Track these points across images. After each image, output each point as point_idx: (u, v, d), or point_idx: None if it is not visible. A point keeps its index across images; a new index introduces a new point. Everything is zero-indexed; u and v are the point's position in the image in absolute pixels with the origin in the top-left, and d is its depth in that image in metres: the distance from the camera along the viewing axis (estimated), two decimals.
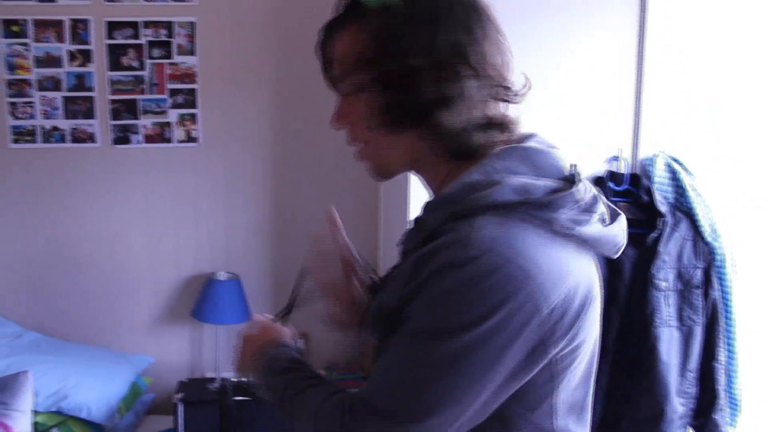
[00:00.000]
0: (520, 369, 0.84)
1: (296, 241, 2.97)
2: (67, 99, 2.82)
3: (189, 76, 2.85)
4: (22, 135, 2.82)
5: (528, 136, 0.94)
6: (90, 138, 2.84)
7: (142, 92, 2.84)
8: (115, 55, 2.82)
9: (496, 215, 0.83)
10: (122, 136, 2.85)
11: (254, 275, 2.98)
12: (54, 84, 2.81)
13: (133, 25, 2.81)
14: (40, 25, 2.78)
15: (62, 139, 2.83)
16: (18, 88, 2.79)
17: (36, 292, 2.91)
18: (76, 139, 2.84)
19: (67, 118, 2.83)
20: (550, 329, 0.83)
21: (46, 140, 2.83)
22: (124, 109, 2.84)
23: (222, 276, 2.86)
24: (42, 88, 2.81)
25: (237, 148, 2.91)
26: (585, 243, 0.90)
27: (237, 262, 2.96)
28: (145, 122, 2.85)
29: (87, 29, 2.79)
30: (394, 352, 0.87)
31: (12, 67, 2.79)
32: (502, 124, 0.91)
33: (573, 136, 2.12)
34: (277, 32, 2.87)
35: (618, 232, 0.94)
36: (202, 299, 2.81)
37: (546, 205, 0.84)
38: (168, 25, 2.81)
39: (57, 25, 2.78)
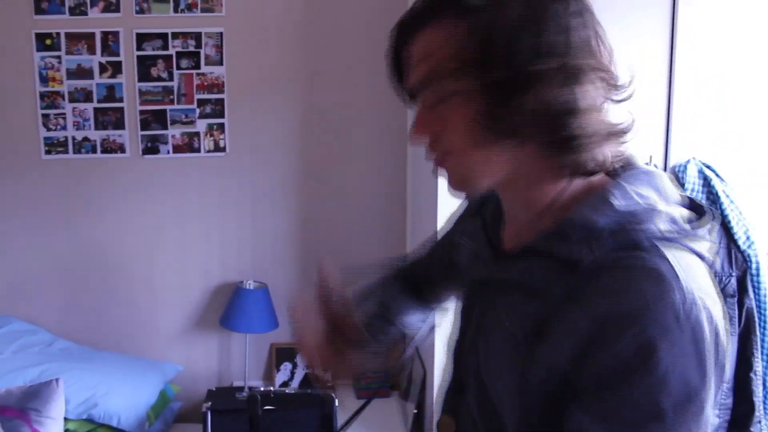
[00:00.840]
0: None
1: (323, 249, 2.98)
2: (97, 110, 2.86)
3: (217, 86, 2.87)
4: (54, 146, 2.87)
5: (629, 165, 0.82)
6: (120, 149, 2.88)
7: (171, 102, 2.87)
8: (145, 66, 2.85)
9: (672, 248, 0.72)
10: (151, 147, 2.88)
11: (282, 283, 2.99)
12: (85, 95, 2.86)
13: (163, 36, 2.85)
14: (72, 38, 2.82)
15: (93, 150, 2.88)
16: (50, 99, 2.85)
17: (67, 301, 2.95)
18: (107, 150, 2.88)
19: (98, 129, 2.87)
20: (723, 353, 0.73)
21: (78, 151, 2.87)
22: (153, 119, 2.87)
23: (250, 285, 2.87)
24: (73, 100, 2.85)
25: (264, 157, 2.92)
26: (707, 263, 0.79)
27: (264, 271, 2.97)
28: (174, 132, 2.88)
29: (117, 41, 2.84)
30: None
31: (45, 80, 2.84)
32: (619, 133, 0.79)
33: None
34: (304, 42, 2.88)
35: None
36: (230, 308, 2.83)
37: (699, 236, 0.76)
38: (196, 36, 2.85)
39: (88, 37, 2.83)
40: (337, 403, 2.29)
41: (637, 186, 0.77)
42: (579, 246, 0.74)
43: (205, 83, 2.87)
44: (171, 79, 2.86)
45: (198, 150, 2.89)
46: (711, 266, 0.76)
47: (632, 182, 0.77)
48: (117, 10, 2.81)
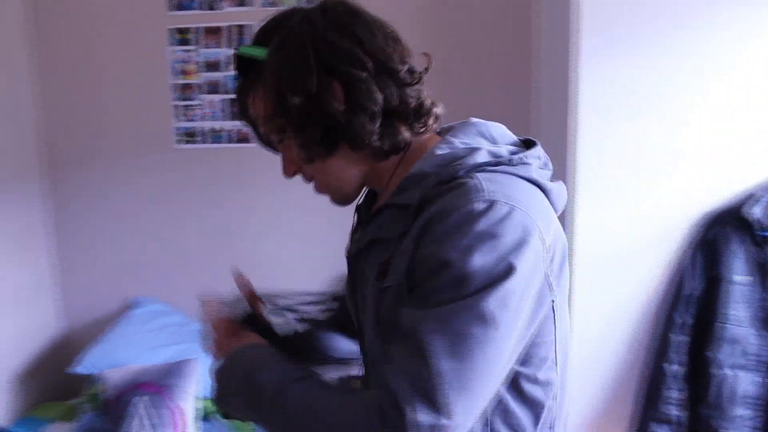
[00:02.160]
0: (538, 307, 0.86)
1: None
2: (227, 101, 2.95)
3: None
4: (186, 136, 2.98)
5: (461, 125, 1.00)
6: (247, 138, 2.96)
7: None
8: None
9: (484, 173, 0.87)
10: None
11: None
12: (216, 87, 2.95)
13: None
14: (207, 32, 2.93)
15: (228, 140, 2.97)
16: (185, 91, 2.96)
17: (198, 285, 3.06)
18: (237, 140, 2.97)
19: (228, 119, 2.96)
20: (550, 267, 0.87)
21: (209, 141, 2.98)
22: None
23: None
24: (207, 92, 2.96)
25: None
26: (549, 193, 0.94)
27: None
28: None
29: (248, 34, 2.91)
30: (421, 330, 0.80)
31: (179, 73, 2.96)
32: (423, 109, 0.97)
33: (736, 150, 2.05)
34: (431, 28, 2.85)
35: (561, 190, 0.99)
36: None
37: (519, 161, 0.91)
38: None
39: (221, 31, 2.93)
40: None
41: (461, 137, 0.95)
42: (412, 191, 0.90)
43: None
44: None
45: None
46: (541, 186, 0.92)
47: (457, 135, 0.96)
48: (249, 4, 2.90)
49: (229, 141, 2.97)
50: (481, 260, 0.80)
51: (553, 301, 0.89)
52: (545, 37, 2.64)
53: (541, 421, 0.93)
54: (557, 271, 0.90)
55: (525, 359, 0.89)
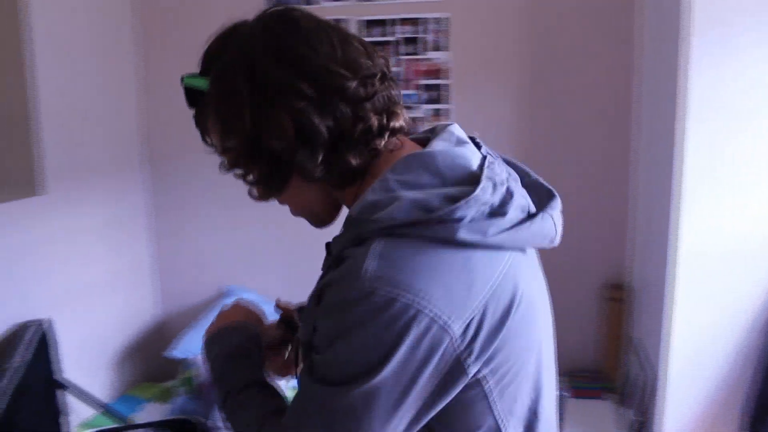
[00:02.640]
0: (435, 397, 0.78)
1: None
2: None
3: (440, 72, 2.88)
4: None
5: (438, 134, 0.89)
6: None
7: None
8: None
9: (391, 239, 0.77)
10: None
11: None
12: None
13: (387, 23, 2.90)
14: None
15: None
16: None
17: (290, 275, 3.11)
18: None
19: None
20: (467, 348, 0.77)
21: None
22: None
23: None
24: None
25: (488, 143, 2.87)
26: (501, 247, 0.81)
27: None
28: None
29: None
30: (303, 390, 0.83)
31: None
32: (382, 131, 0.85)
33: None
34: (532, 28, 2.80)
35: (544, 225, 0.87)
36: None
37: (444, 220, 0.76)
38: (420, 22, 2.87)
39: None
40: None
41: (401, 172, 0.82)
42: (335, 241, 0.87)
43: (429, 69, 2.89)
44: (394, 64, 2.92)
45: None
46: (473, 243, 0.77)
47: (403, 170, 0.83)
48: None
49: None
50: (346, 353, 0.77)
51: (481, 376, 0.80)
52: (650, 35, 2.55)
53: None
54: (487, 341, 0.78)
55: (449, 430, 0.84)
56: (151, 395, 2.87)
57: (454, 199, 0.78)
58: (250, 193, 0.94)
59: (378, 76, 0.86)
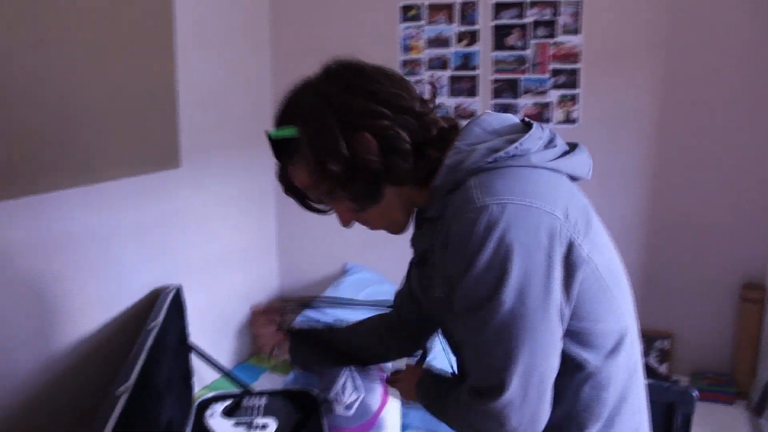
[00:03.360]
0: (569, 279, 0.92)
1: (674, 237, 2.76)
2: (452, 78, 2.96)
3: (572, 56, 2.79)
4: None
5: (479, 115, 1.06)
6: (471, 116, 2.95)
7: (524, 72, 2.86)
8: (500, 35, 2.87)
9: (480, 174, 0.95)
10: None
11: (624, 266, 2.82)
12: (442, 63, 2.97)
13: (519, 5, 2.84)
14: (434, 8, 2.95)
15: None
16: (411, 67, 3.01)
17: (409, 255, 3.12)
18: (459, 116, 2.97)
19: (452, 95, 2.97)
20: (574, 228, 0.93)
21: None
22: (506, 88, 2.89)
23: None
24: (431, 68, 2.99)
25: (617, 132, 2.77)
26: (557, 170, 1.00)
27: None
28: (526, 101, 2.87)
29: (476, 11, 2.89)
30: (468, 332, 0.96)
31: (407, 49, 3.01)
32: (445, 131, 1.05)
33: None
34: (669, 11, 2.66)
35: (582, 158, 1.07)
36: None
37: (514, 153, 0.96)
38: (554, 5, 2.79)
39: (448, 8, 2.93)
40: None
41: (464, 138, 1.01)
42: (435, 205, 1.02)
43: (560, 53, 2.81)
44: (525, 48, 2.85)
45: (548, 121, 2.84)
46: (543, 165, 0.97)
47: (462, 137, 1.01)
48: None
49: (454, 117, 2.98)
50: (483, 266, 0.90)
51: (592, 258, 0.95)
52: None
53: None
54: (585, 225, 0.95)
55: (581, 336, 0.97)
56: (270, 366, 2.94)
57: (513, 141, 0.97)
58: (344, 222, 1.12)
59: (429, 99, 1.08)
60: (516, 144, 0.96)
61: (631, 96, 2.74)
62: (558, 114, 2.83)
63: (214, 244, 2.83)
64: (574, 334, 0.97)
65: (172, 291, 2.37)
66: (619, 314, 1.01)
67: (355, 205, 1.07)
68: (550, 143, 1.02)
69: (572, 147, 1.07)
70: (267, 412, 2.19)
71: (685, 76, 2.67)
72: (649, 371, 2.79)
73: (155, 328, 1.97)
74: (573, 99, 2.81)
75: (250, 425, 2.11)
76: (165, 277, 2.49)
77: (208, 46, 2.72)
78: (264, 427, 2.11)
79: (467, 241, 0.90)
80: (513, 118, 1.07)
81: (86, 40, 2.02)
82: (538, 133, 1.00)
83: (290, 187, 1.12)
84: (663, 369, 2.80)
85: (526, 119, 1.05)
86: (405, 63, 3.01)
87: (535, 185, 0.94)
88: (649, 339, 2.82)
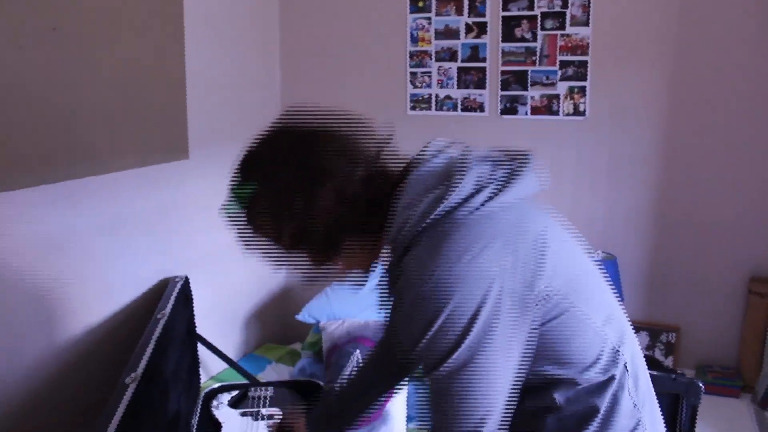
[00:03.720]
0: (521, 321, 0.96)
1: (681, 230, 2.75)
2: (461, 69, 2.95)
3: (581, 48, 2.77)
4: (419, 102, 3.03)
5: (419, 155, 1.11)
6: (479, 107, 2.94)
7: (533, 64, 2.85)
8: (509, 26, 2.86)
9: (422, 241, 0.98)
10: (510, 107, 2.90)
11: (632, 257, 2.83)
12: (450, 55, 2.96)
13: None
14: (442, 0, 2.94)
15: (454, 108, 2.98)
16: (419, 58, 3.00)
17: None
18: (466, 108, 2.97)
19: (460, 87, 2.96)
20: (522, 270, 0.95)
21: (439, 108, 3.01)
22: (514, 80, 2.88)
23: (599, 255, 2.77)
24: (439, 59, 2.98)
25: (625, 125, 2.76)
26: (490, 216, 1.00)
27: (615, 242, 2.84)
28: (534, 94, 2.86)
29: (484, 2, 2.88)
30: (432, 393, 1.00)
31: (415, 40, 3.00)
32: (390, 182, 1.07)
33: None
34: (679, 5, 2.64)
35: (526, 180, 1.06)
36: None
37: (444, 210, 0.98)
38: None
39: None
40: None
41: (404, 197, 1.03)
42: (393, 260, 1.07)
43: (569, 45, 2.79)
44: (534, 39, 2.83)
45: (556, 113, 2.83)
46: (477, 214, 0.99)
47: (402, 196, 1.03)
48: None
49: (462, 109, 2.98)
50: (436, 333, 0.94)
51: (550, 293, 0.98)
52: None
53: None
54: (534, 268, 0.97)
55: (564, 357, 1.01)
56: (276, 356, 2.96)
57: (440, 198, 0.99)
58: (303, 277, 1.15)
59: (378, 144, 1.11)
60: (443, 205, 0.99)
61: (640, 89, 2.73)
62: (566, 106, 2.82)
63: (222, 236, 2.83)
64: (548, 360, 1.01)
65: (179, 281, 2.38)
66: (594, 329, 1.03)
67: (316, 262, 1.10)
68: (477, 187, 1.01)
69: (522, 158, 1.10)
70: (273, 402, 2.20)
71: (694, 71, 2.65)
72: (655, 364, 2.79)
73: (163, 318, 1.97)
74: (581, 91, 2.80)
75: (256, 416, 2.13)
76: (173, 267, 2.50)
77: (217, 38, 2.72)
78: (270, 417, 2.13)
79: (418, 311, 0.95)
80: (438, 167, 1.06)
81: (96, 31, 2.02)
82: (462, 182, 1.01)
83: (256, 240, 1.14)
84: (668, 362, 2.80)
85: (456, 158, 1.08)
86: (413, 54, 3.00)
87: (478, 237, 0.96)
88: (654, 332, 2.82)
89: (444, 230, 0.98)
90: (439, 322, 0.93)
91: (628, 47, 2.72)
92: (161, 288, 2.39)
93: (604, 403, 1.03)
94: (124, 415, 1.37)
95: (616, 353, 1.04)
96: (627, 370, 1.06)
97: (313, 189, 1.03)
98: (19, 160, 1.78)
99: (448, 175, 1.02)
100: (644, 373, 1.12)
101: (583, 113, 2.80)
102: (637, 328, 2.85)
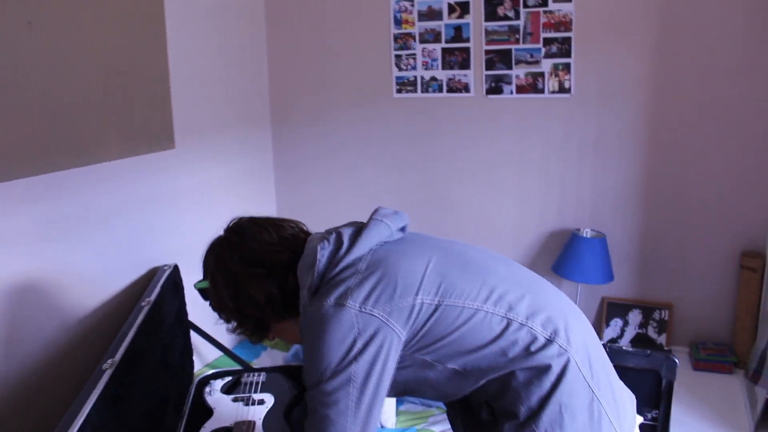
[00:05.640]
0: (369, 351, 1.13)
1: (670, 206, 2.73)
2: (445, 50, 2.94)
3: (564, 25, 2.75)
4: (404, 85, 3.02)
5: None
6: (464, 88, 2.93)
7: (517, 42, 2.83)
8: (492, 5, 2.84)
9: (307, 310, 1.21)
10: (495, 87, 2.88)
11: (620, 235, 2.82)
12: (434, 36, 2.95)
13: None
14: None
15: (439, 89, 2.97)
16: (403, 41, 2.99)
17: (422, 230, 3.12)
18: (452, 89, 2.95)
19: (445, 68, 2.95)
20: (372, 306, 1.13)
21: (425, 90, 2.99)
22: (498, 59, 2.86)
23: (587, 233, 2.76)
24: (423, 41, 2.96)
25: (611, 101, 2.74)
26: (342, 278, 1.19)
27: (603, 221, 2.83)
28: (518, 72, 2.84)
29: None
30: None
31: (399, 22, 2.99)
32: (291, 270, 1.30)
33: None
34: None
35: (362, 244, 1.23)
36: (564, 255, 2.75)
37: (311, 291, 1.21)
38: None
39: None
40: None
41: (302, 283, 1.25)
42: None
43: (552, 21, 2.77)
44: (517, 17, 2.81)
45: (542, 91, 2.81)
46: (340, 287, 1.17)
47: (302, 281, 1.25)
48: None
49: (447, 90, 2.96)
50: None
51: (417, 304, 1.15)
52: None
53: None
54: (387, 297, 1.15)
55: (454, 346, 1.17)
56: (272, 343, 2.97)
57: (311, 287, 1.22)
58: (244, 335, 1.40)
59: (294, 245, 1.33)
60: (306, 290, 1.21)
61: (626, 65, 2.70)
62: (552, 84, 2.80)
63: (214, 224, 2.84)
64: (452, 355, 1.16)
65: (168, 269, 2.39)
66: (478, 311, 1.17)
67: (251, 337, 1.38)
68: (338, 264, 1.21)
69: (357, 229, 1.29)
70: (265, 388, 2.22)
71: (680, 46, 2.63)
72: (648, 342, 2.78)
73: (148, 306, 1.99)
74: (566, 68, 2.78)
75: (247, 401, 2.14)
76: (163, 256, 2.51)
77: (201, 26, 2.72)
78: (261, 402, 2.14)
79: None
80: (307, 257, 1.26)
81: (75, 21, 2.03)
82: (316, 273, 1.22)
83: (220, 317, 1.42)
84: (661, 340, 2.79)
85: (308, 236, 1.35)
86: (397, 37, 2.99)
87: (345, 288, 1.16)
88: (647, 310, 2.81)
89: (322, 296, 1.19)
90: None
91: (611, 23, 2.70)
92: (150, 277, 2.41)
93: (555, 370, 1.14)
94: (99, 399, 1.38)
95: (521, 326, 1.16)
96: (553, 340, 1.15)
97: (240, 289, 1.29)
98: (6, 152, 1.79)
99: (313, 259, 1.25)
100: (596, 351, 1.21)
101: (568, 90, 2.78)
102: (630, 305, 2.84)
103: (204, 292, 1.41)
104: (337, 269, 1.20)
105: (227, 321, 1.36)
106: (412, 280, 1.16)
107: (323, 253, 1.22)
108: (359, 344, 1.11)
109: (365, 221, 1.31)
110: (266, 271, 1.28)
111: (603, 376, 1.18)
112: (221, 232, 1.41)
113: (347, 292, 1.14)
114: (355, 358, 1.10)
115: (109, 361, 1.56)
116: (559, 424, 1.11)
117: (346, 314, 1.11)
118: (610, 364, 1.24)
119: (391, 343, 1.13)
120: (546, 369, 1.13)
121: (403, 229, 1.34)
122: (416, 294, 1.15)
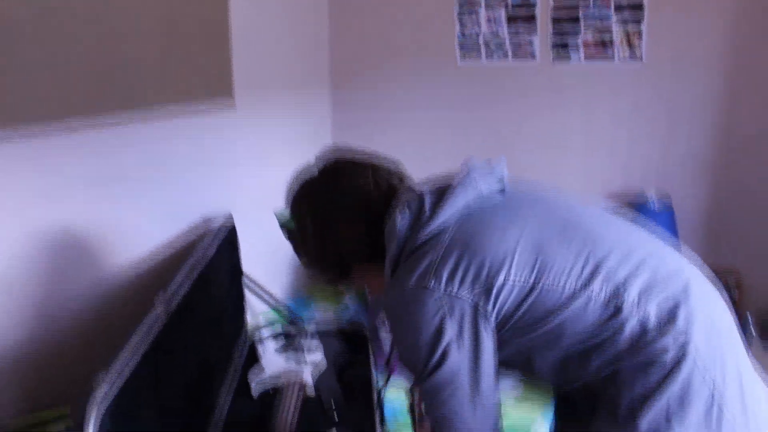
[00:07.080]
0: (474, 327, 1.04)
1: (739, 176, 2.62)
2: (510, 18, 2.86)
3: None
4: (468, 52, 2.96)
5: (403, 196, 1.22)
6: (530, 55, 2.85)
7: (586, 6, 2.73)
8: None
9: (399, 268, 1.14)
10: (562, 53, 2.80)
11: (687, 206, 2.74)
12: (500, 1, 2.87)
13: None
14: None
15: (504, 56, 2.90)
16: (468, 6, 2.92)
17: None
18: (517, 55, 2.88)
19: (510, 34, 2.88)
20: (470, 288, 1.03)
21: (489, 57, 2.93)
22: (566, 23, 2.77)
23: (651, 195, 2.69)
24: (488, 6, 2.89)
25: (684, 69, 2.63)
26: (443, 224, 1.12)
27: (669, 190, 2.74)
28: (587, 38, 2.75)
29: None
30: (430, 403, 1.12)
31: None
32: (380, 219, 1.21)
33: None
34: None
35: (456, 195, 1.13)
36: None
37: (400, 254, 1.15)
38: None
39: None
40: None
41: (390, 238, 1.19)
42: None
43: None
44: None
45: (611, 58, 2.72)
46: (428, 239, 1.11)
47: (389, 235, 1.19)
48: None
49: (513, 58, 2.90)
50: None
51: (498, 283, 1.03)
52: None
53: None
54: (473, 279, 1.04)
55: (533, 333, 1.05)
56: (323, 298, 3.01)
57: (393, 258, 1.17)
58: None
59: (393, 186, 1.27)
60: (389, 261, 1.16)
61: (700, 33, 2.59)
62: (622, 51, 2.70)
63: (270, 180, 2.87)
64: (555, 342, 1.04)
65: (225, 220, 2.42)
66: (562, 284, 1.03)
67: (328, 280, 1.35)
68: (427, 220, 1.13)
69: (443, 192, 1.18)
70: (318, 348, 2.24)
71: (760, 8, 2.49)
72: None
73: (203, 256, 2.02)
74: (638, 35, 2.67)
75: (299, 360, 2.17)
76: (220, 209, 2.55)
77: None
78: (313, 362, 2.16)
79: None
80: (397, 221, 1.16)
81: None
82: (405, 212, 1.15)
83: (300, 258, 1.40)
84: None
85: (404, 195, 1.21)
86: (462, 3, 2.92)
87: (427, 265, 1.07)
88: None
89: (418, 250, 1.12)
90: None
91: None
92: (206, 226, 2.45)
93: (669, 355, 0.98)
94: (151, 346, 1.40)
95: (617, 292, 1.01)
96: (667, 329, 0.98)
97: (325, 230, 1.26)
98: (66, 102, 1.83)
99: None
100: (726, 337, 1.04)
101: (639, 58, 2.68)
102: None
103: (284, 226, 1.39)
104: (418, 242, 1.10)
105: (307, 261, 1.32)
106: (502, 256, 1.03)
107: (403, 224, 1.14)
108: (450, 333, 1.02)
109: (453, 174, 1.20)
110: (357, 216, 1.23)
111: (732, 371, 1.00)
112: (312, 167, 1.34)
113: (429, 270, 1.05)
114: (449, 349, 1.02)
115: (163, 307, 1.59)
116: (666, 425, 0.96)
117: (430, 297, 1.03)
118: (743, 352, 1.05)
119: (484, 328, 1.03)
120: (656, 362, 0.97)
121: (500, 182, 1.20)
122: (508, 271, 1.02)
